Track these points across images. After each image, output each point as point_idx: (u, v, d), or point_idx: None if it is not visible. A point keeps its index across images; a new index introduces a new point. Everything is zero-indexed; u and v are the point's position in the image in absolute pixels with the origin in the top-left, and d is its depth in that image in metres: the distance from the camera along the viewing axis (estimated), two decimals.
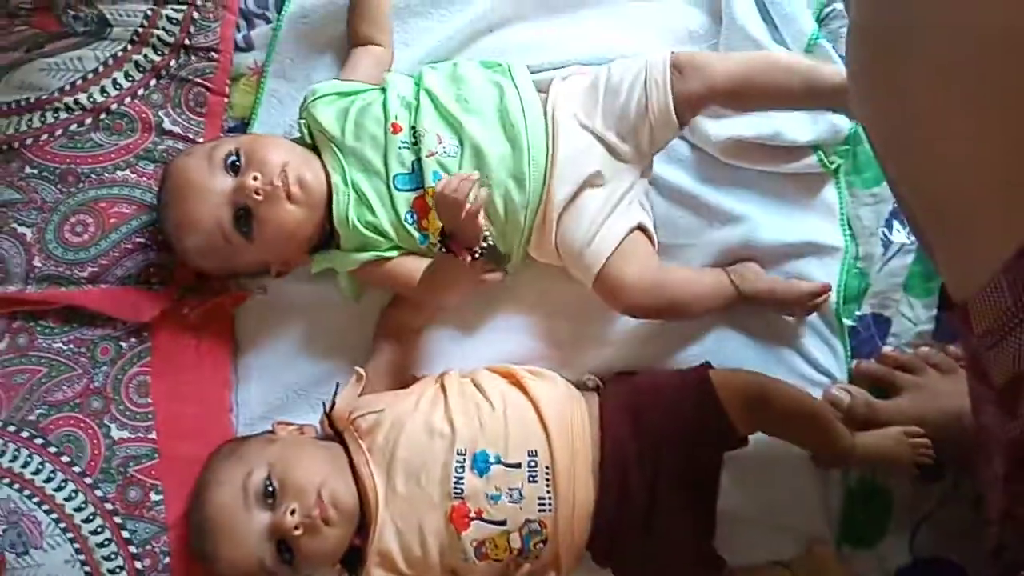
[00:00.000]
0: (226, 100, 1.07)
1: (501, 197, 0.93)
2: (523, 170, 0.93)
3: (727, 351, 1.01)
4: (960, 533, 0.96)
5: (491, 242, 0.86)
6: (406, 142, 0.94)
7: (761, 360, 1.00)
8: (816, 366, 1.01)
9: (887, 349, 1.00)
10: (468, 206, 0.81)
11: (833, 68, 0.92)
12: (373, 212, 0.94)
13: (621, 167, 0.95)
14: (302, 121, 0.99)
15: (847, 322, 1.01)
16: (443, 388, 0.95)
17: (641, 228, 0.95)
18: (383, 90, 0.98)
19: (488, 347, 1.03)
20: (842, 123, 0.99)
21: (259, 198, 0.91)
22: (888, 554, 0.97)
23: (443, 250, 0.85)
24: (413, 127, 0.94)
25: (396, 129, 0.94)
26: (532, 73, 1.01)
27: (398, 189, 0.94)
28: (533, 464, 0.89)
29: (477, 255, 0.85)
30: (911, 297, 1.01)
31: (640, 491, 0.90)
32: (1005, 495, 0.60)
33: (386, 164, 0.94)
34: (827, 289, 0.99)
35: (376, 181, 0.95)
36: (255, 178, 0.91)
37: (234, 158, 0.93)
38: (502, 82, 0.97)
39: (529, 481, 0.89)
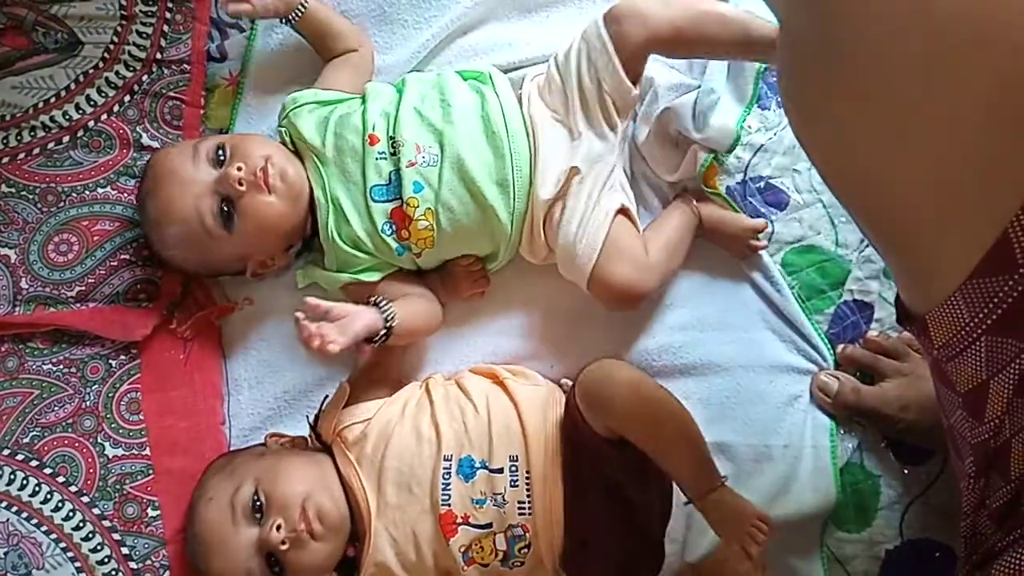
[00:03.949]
0: (202, 112, 1.07)
1: (485, 205, 0.93)
2: (507, 177, 0.93)
3: (711, 344, 1.02)
4: (948, 515, 0.97)
5: (391, 320, 0.91)
6: (383, 153, 0.94)
7: (748, 351, 1.01)
8: (804, 354, 1.02)
9: (872, 334, 1.01)
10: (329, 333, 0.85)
11: (766, 22, 0.91)
12: (348, 223, 0.94)
13: (597, 155, 0.94)
14: (282, 129, 0.99)
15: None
16: (428, 393, 0.96)
17: (622, 211, 0.95)
18: (363, 100, 0.98)
19: (475, 349, 1.04)
20: None
21: (242, 188, 0.91)
22: (878, 537, 0.98)
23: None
24: (392, 137, 0.94)
25: (373, 141, 0.94)
26: (508, 71, 1.02)
27: (375, 200, 0.94)
28: (514, 469, 0.90)
29: (380, 340, 0.90)
30: (891, 282, 1.01)
31: (594, 497, 0.89)
32: (976, 490, 0.62)
33: (364, 175, 0.94)
34: (763, 227, 1.00)
35: (354, 192, 0.95)
36: (239, 168, 0.91)
37: (220, 152, 0.93)
38: (483, 90, 0.96)
39: (511, 485, 0.89)
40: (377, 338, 0.90)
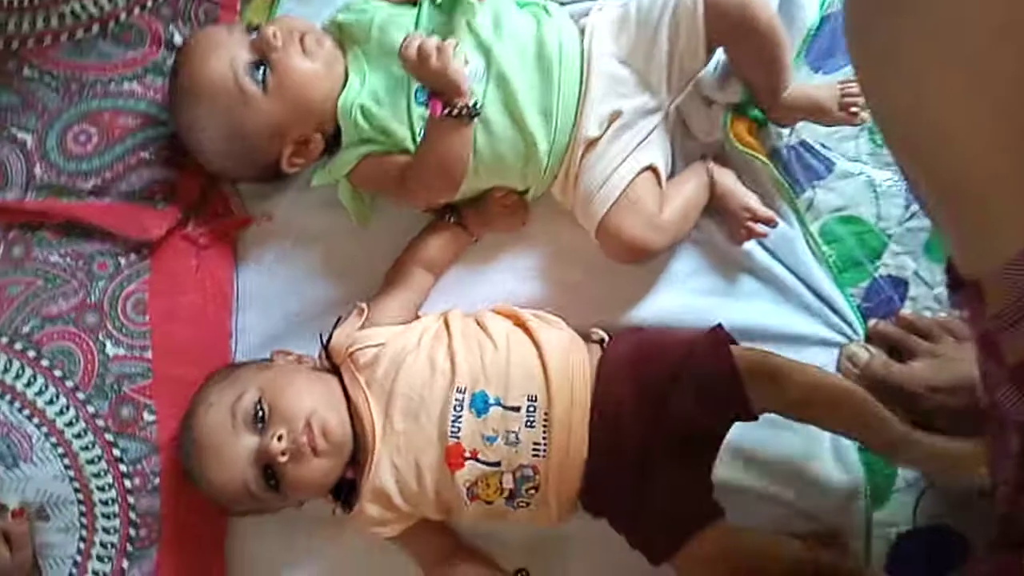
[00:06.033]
0: (237, 17, 1.03)
1: (525, 131, 0.91)
2: (551, 105, 0.91)
3: (736, 310, 0.98)
4: (963, 502, 0.95)
5: (476, 101, 0.86)
6: None
7: (775, 320, 0.99)
8: (834, 327, 0.99)
9: (905, 311, 0.99)
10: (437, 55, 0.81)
11: None
12: (387, 117, 0.92)
13: (646, 104, 0.93)
14: (326, 26, 0.96)
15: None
16: (447, 325, 0.93)
17: (651, 168, 0.93)
18: (417, 4, 0.95)
19: (494, 288, 1.01)
20: None
21: (277, 43, 0.89)
22: (891, 519, 0.96)
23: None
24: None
25: None
26: (564, 4, 0.99)
27: (418, 103, 0.91)
28: (532, 409, 0.87)
29: (457, 111, 0.84)
30: (929, 260, 0.99)
31: (632, 447, 0.87)
32: (1020, 470, 0.59)
33: (408, 76, 0.91)
34: (765, 218, 0.96)
35: (396, 92, 0.92)
36: (274, 35, 0.89)
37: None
38: (541, 16, 0.94)
39: (527, 426, 0.87)
40: (465, 106, 0.85)
